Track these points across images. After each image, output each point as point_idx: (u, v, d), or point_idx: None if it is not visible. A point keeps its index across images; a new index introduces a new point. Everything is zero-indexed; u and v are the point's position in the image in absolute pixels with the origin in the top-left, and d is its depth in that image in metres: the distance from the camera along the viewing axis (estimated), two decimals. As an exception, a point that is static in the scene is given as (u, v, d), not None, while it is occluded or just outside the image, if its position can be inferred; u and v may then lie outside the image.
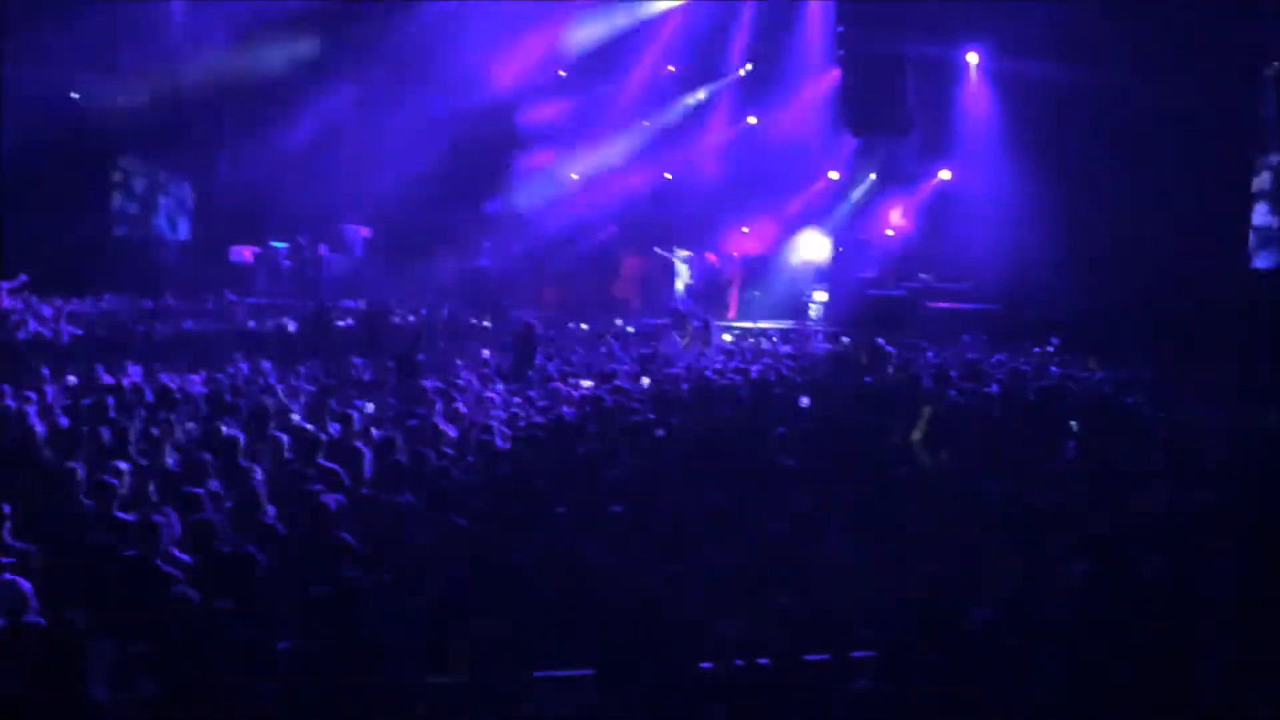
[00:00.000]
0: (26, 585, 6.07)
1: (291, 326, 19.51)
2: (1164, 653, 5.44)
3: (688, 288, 24.73)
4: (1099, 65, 19.96)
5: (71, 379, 12.69)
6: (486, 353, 16.76)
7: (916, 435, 9.80)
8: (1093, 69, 20.08)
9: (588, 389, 13.43)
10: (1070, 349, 17.72)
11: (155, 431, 9.63)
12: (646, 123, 26.08)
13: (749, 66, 25.65)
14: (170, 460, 9.13)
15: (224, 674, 5.18)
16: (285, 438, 9.65)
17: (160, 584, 6.29)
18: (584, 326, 20.82)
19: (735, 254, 25.55)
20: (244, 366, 14.16)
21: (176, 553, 6.84)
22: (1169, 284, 19.54)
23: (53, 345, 16.33)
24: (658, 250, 25.04)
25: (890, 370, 14.44)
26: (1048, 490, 8.57)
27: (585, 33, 25.23)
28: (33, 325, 18.04)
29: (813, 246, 25.83)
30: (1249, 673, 5.26)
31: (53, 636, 4.90)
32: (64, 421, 10.07)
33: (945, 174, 24.53)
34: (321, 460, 8.93)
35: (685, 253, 24.86)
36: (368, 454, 9.20)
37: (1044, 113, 21.75)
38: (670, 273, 24.86)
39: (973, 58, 23.84)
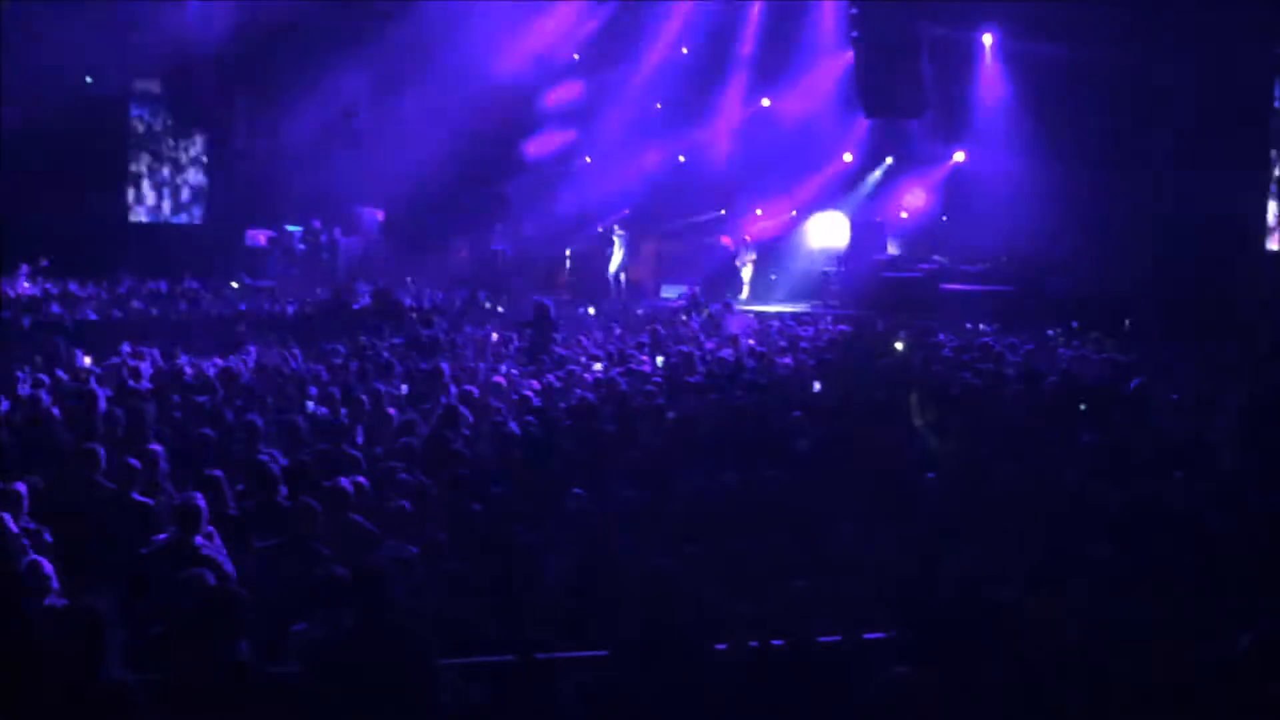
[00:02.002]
0: (49, 566, 6.13)
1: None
2: (1181, 636, 5.45)
3: (619, 266, 24.74)
4: (1115, 46, 19.85)
5: (87, 361, 12.79)
6: (495, 336, 16.80)
7: (918, 418, 9.86)
8: (1108, 50, 19.97)
9: (600, 372, 13.46)
10: (1085, 331, 17.68)
11: (178, 415, 9.70)
12: (659, 104, 26.01)
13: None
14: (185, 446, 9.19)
15: (241, 656, 5.21)
16: (303, 421, 9.71)
17: (176, 566, 6.35)
18: (590, 311, 20.83)
19: (748, 237, 25.51)
20: (254, 349, 14.25)
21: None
22: (1185, 266, 19.46)
23: (69, 329, 16.42)
24: (601, 230, 25.03)
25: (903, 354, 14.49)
26: (1064, 473, 8.56)
27: (599, 15, 25.18)
28: (53, 308, 18.16)
29: (829, 228, 25.79)
30: (1268, 659, 5.25)
31: (71, 618, 4.93)
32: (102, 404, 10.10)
33: (960, 156, 24.45)
34: (339, 443, 8.98)
35: (619, 231, 24.81)
36: (385, 436, 9.25)
37: (1059, 94, 21.64)
38: (608, 251, 24.87)
39: (988, 39, 23.73)
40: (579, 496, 7.94)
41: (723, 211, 25.79)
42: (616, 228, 24.81)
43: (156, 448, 8.51)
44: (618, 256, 24.80)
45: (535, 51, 25.23)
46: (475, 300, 21.85)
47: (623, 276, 24.78)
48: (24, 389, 10.96)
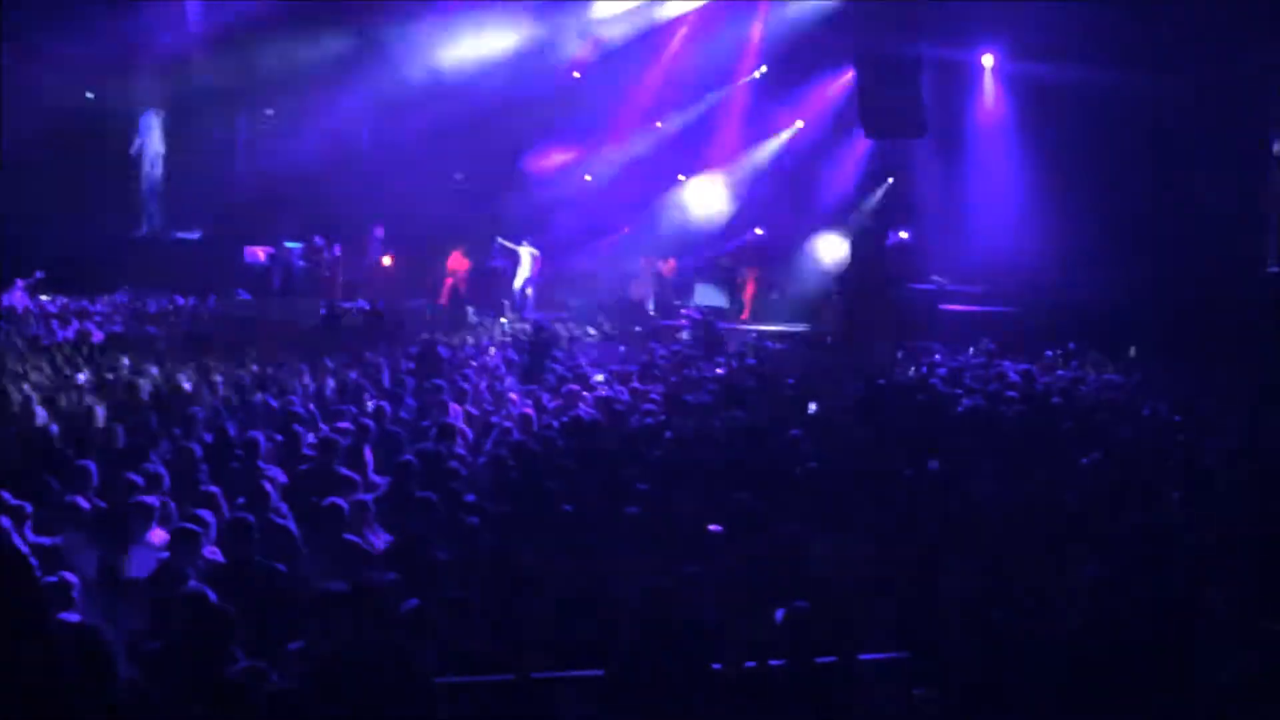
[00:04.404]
0: (73, 577, 6.13)
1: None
2: (1172, 660, 5.44)
3: (526, 280, 24.65)
4: (1115, 67, 19.88)
5: (81, 377, 12.78)
6: (494, 351, 16.79)
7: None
8: (1108, 71, 20.00)
9: (601, 390, 13.45)
10: (1086, 353, 17.69)
11: (177, 431, 9.70)
12: (660, 124, 26.07)
13: (763, 69, 25.53)
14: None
15: (236, 673, 5.21)
16: (301, 438, 9.70)
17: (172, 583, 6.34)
18: (590, 331, 20.81)
19: (725, 260, 25.55)
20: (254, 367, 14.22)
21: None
22: (1186, 288, 19.44)
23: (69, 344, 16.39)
24: (499, 241, 24.91)
25: None
26: (1061, 495, 8.56)
27: (600, 35, 25.26)
28: (52, 324, 18.15)
29: (830, 248, 25.78)
30: (1255, 683, 5.25)
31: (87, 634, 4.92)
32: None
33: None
34: (339, 460, 8.97)
35: (529, 248, 24.67)
36: (383, 454, 9.24)
37: (1059, 115, 21.68)
38: (515, 267, 24.76)
39: (988, 60, 23.79)
40: (577, 515, 7.93)
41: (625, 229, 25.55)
42: (526, 241, 24.68)
43: (157, 465, 8.51)
44: (524, 269, 24.67)
45: (537, 70, 25.29)
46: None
47: (529, 291, 24.62)
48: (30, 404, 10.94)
